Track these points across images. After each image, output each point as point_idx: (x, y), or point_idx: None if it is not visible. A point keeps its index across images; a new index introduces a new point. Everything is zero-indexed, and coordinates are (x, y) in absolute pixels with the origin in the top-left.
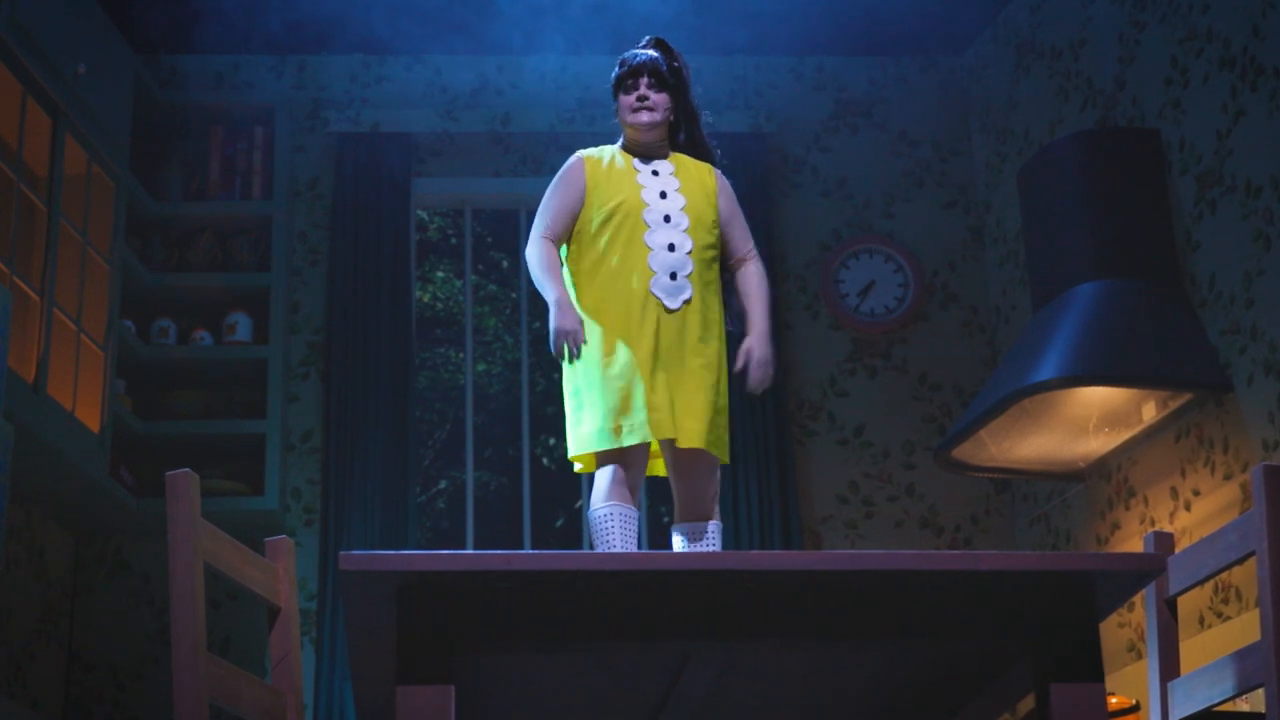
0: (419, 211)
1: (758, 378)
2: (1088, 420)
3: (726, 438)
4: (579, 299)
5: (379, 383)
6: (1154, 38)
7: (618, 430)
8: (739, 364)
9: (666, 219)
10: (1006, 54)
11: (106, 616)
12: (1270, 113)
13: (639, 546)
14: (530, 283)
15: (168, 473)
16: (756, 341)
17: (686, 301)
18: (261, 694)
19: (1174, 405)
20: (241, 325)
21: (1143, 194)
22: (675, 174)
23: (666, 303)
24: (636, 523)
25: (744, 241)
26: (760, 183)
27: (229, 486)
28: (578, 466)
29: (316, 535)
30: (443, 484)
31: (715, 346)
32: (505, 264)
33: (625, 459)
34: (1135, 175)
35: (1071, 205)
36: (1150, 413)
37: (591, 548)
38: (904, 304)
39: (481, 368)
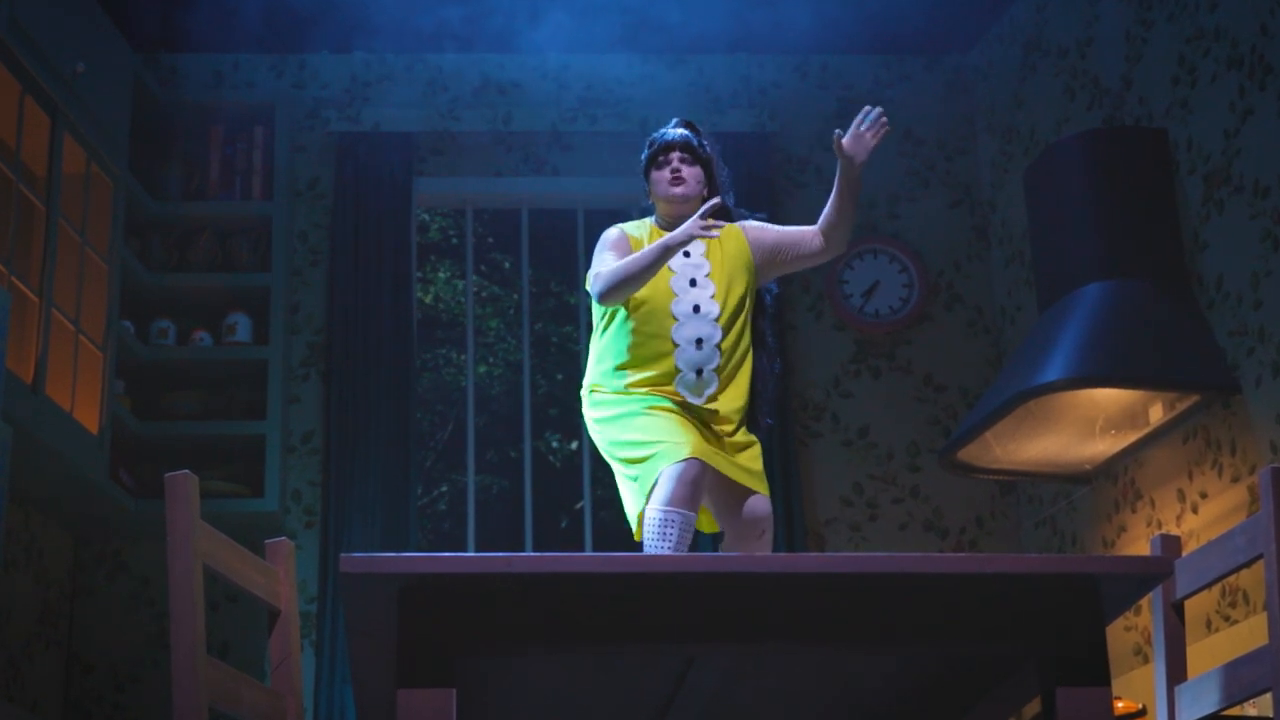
0: (420, 213)
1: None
2: (1094, 422)
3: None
4: (614, 368)
5: (380, 384)
6: (1161, 36)
7: (670, 451)
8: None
9: (696, 309)
10: (1012, 53)
11: (106, 618)
12: (1279, 112)
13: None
14: (531, 284)
15: (167, 474)
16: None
17: (711, 397)
18: (261, 697)
19: (1181, 407)
20: (241, 325)
21: (1150, 194)
22: (707, 254)
23: (691, 400)
24: (692, 530)
25: (802, 231)
26: (764, 182)
27: (229, 488)
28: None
29: (317, 537)
30: (443, 487)
31: (742, 431)
32: (507, 265)
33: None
34: (1142, 175)
35: (1078, 205)
36: (1157, 414)
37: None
38: (908, 304)
39: (483, 369)
